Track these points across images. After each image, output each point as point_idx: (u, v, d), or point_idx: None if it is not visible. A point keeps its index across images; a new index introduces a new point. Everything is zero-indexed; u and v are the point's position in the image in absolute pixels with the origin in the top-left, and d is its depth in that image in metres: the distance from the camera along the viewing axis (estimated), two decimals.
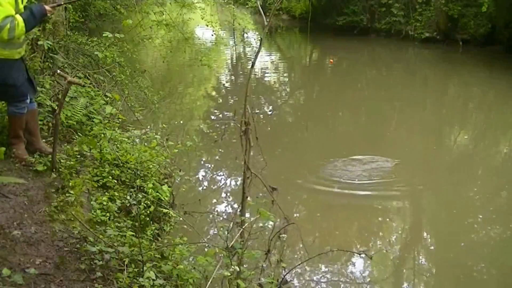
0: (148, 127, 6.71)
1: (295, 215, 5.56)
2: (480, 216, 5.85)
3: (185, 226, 4.49)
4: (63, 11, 6.64)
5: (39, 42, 5.14)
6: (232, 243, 3.18)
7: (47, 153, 4.29)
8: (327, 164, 6.94)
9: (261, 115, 9.47)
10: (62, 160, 4.28)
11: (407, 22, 16.72)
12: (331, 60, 15.12)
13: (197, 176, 6.70)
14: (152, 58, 13.10)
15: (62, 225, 3.54)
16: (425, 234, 5.59)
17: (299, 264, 3.92)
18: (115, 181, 4.35)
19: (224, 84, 12.95)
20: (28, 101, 4.17)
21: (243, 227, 3.38)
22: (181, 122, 8.80)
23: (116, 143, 4.93)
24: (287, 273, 3.48)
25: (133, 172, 4.56)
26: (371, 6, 17.90)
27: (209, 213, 5.12)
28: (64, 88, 4.23)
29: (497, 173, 7.09)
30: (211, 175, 6.78)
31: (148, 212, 4.21)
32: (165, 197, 4.53)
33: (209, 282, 2.93)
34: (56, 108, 4.42)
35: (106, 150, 4.62)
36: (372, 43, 17.21)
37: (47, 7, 3.95)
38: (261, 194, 4.69)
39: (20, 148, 4.25)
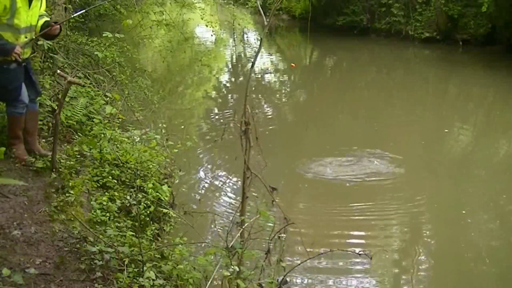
0: (148, 127, 6.70)
1: (295, 215, 5.56)
2: (480, 215, 5.85)
3: (182, 221, 4.47)
4: (63, 11, 6.64)
5: (39, 42, 5.14)
6: (232, 243, 3.18)
7: (42, 155, 4.28)
8: (327, 164, 6.95)
9: (261, 115, 9.47)
10: (62, 160, 4.28)
11: (407, 22, 16.72)
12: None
13: (197, 176, 6.70)
14: (152, 58, 13.11)
15: (62, 225, 3.54)
16: (425, 233, 5.58)
17: (299, 264, 3.91)
18: (115, 181, 4.35)
19: (224, 84, 12.95)
20: (26, 101, 4.16)
21: (243, 227, 3.38)
22: (181, 122, 8.80)
23: (116, 143, 4.93)
24: (287, 273, 3.48)
25: (133, 172, 4.56)
26: (371, 6, 17.90)
27: (209, 213, 5.12)
28: (64, 88, 4.23)
29: (497, 172, 7.08)
30: (211, 175, 6.77)
31: (148, 212, 4.20)
32: (165, 197, 4.52)
33: (209, 282, 2.93)
34: (56, 108, 4.42)
35: (106, 150, 4.62)
36: (372, 43, 17.20)
37: (17, 48, 3.89)
38: (257, 196, 4.70)
39: (20, 148, 4.24)
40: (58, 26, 4.13)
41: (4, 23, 3.85)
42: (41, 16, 4.16)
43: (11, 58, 3.90)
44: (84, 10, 4.91)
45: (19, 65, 4.03)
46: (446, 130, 8.80)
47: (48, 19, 4.27)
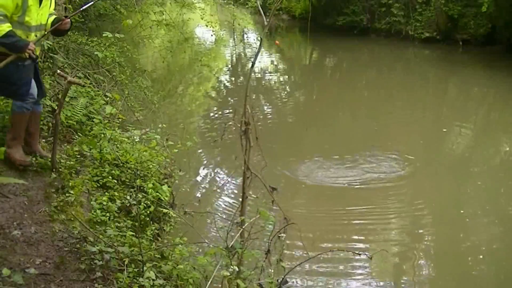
0: (148, 127, 6.70)
1: (295, 215, 5.56)
2: (480, 216, 5.85)
3: (182, 221, 4.47)
4: (63, 11, 6.64)
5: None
6: (232, 243, 3.18)
7: (43, 157, 4.26)
8: (326, 164, 6.95)
9: (261, 115, 9.47)
10: (62, 160, 4.28)
11: (407, 22, 16.73)
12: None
13: (197, 176, 6.70)
14: (152, 58, 13.11)
15: (62, 225, 3.54)
16: (425, 233, 5.58)
17: (299, 264, 3.91)
18: (115, 181, 4.34)
19: (224, 84, 12.95)
20: (35, 96, 4.09)
21: (243, 227, 3.38)
22: (181, 122, 8.79)
23: (116, 143, 4.93)
24: (287, 273, 3.48)
25: (133, 172, 4.56)
26: (371, 6, 17.90)
27: (209, 213, 5.12)
28: (64, 88, 4.23)
29: (497, 172, 7.09)
30: (211, 175, 6.77)
31: (148, 212, 4.20)
32: (165, 197, 4.52)
33: (209, 282, 2.93)
34: (56, 108, 4.42)
35: (106, 150, 4.62)
36: (372, 43, 17.20)
37: (30, 44, 3.85)
38: (258, 196, 4.70)
39: (19, 151, 4.10)
40: (69, 20, 4.11)
41: (15, 21, 3.82)
42: (50, 14, 4.16)
43: (25, 55, 3.87)
44: (92, 3, 4.87)
45: (33, 61, 4.02)
46: (445, 130, 8.81)
47: (57, 16, 4.26)
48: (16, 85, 3.98)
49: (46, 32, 4.13)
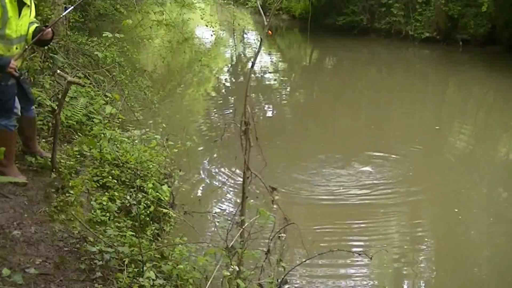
0: (148, 127, 6.70)
1: (295, 215, 5.56)
2: (480, 216, 5.85)
3: (182, 221, 4.47)
4: (63, 11, 6.64)
5: None
6: (232, 243, 3.18)
7: (43, 157, 4.25)
8: (326, 164, 6.95)
9: (261, 115, 9.47)
10: (62, 160, 4.28)
11: (407, 22, 16.72)
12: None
13: (197, 176, 6.69)
14: (152, 58, 13.12)
15: (62, 225, 3.54)
16: (425, 234, 5.58)
17: (299, 264, 3.91)
18: (115, 181, 4.35)
19: (224, 84, 12.94)
20: (18, 113, 3.95)
21: (243, 227, 3.38)
22: (181, 122, 8.79)
23: (116, 143, 4.94)
24: (287, 273, 3.48)
25: (133, 172, 4.56)
26: (371, 6, 17.89)
27: (209, 213, 5.12)
28: (64, 88, 4.23)
29: (497, 173, 7.08)
30: (211, 175, 6.76)
31: (148, 212, 4.21)
32: (165, 197, 4.52)
33: (209, 282, 2.93)
34: (56, 108, 4.42)
35: (106, 150, 4.62)
36: (372, 43, 17.20)
37: (12, 62, 3.70)
38: (257, 196, 4.70)
39: (13, 170, 3.93)
40: (50, 30, 3.90)
41: None
42: (31, 23, 3.95)
43: (6, 73, 3.72)
44: (72, 7, 4.80)
45: (16, 80, 3.84)
46: (437, 127, 8.81)
47: (38, 24, 4.06)
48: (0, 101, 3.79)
49: (27, 46, 3.93)
